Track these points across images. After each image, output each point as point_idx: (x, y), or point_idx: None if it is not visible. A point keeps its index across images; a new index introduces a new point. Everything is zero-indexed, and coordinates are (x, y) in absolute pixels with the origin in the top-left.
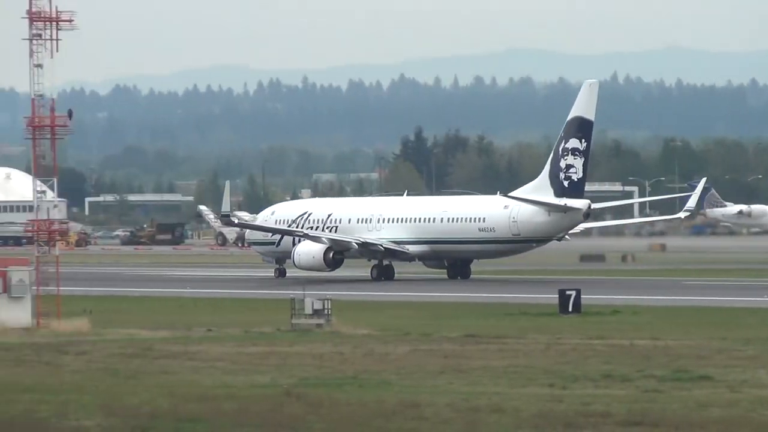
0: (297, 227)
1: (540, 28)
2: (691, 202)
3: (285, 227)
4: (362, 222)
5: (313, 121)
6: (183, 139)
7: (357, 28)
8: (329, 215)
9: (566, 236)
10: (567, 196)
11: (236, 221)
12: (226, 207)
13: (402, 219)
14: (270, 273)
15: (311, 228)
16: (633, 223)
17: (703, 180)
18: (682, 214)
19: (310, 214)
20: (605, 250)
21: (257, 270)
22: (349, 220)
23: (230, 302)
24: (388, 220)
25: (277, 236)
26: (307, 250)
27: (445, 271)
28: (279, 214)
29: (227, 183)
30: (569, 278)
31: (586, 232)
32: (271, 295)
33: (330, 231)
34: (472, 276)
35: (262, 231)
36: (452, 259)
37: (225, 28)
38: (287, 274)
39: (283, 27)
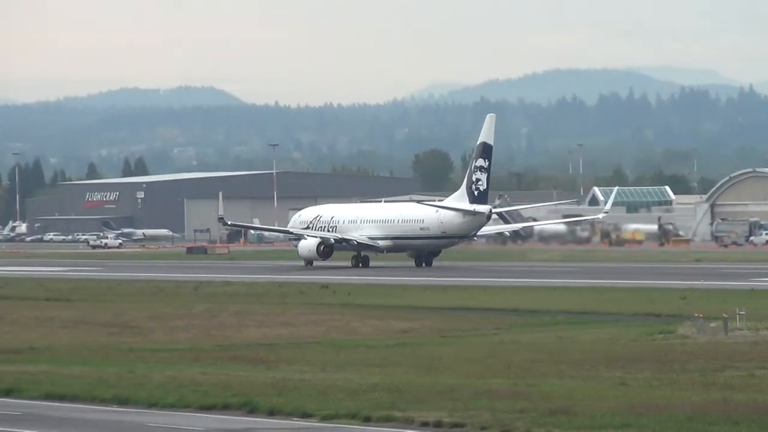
0: (312, 228)
1: None
2: (608, 206)
3: (303, 228)
4: (352, 223)
5: None
6: None
7: None
8: (332, 217)
9: (507, 233)
10: (476, 203)
11: (229, 223)
12: (221, 212)
13: (376, 220)
14: None
15: (321, 228)
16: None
17: (616, 188)
18: (600, 215)
19: (320, 217)
20: None
21: None
22: (344, 221)
23: None
24: (368, 221)
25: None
26: (306, 245)
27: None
28: (303, 217)
29: (220, 193)
30: None
31: None
32: None
33: (332, 230)
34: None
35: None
36: (407, 251)
37: None
38: (314, 264)
39: None
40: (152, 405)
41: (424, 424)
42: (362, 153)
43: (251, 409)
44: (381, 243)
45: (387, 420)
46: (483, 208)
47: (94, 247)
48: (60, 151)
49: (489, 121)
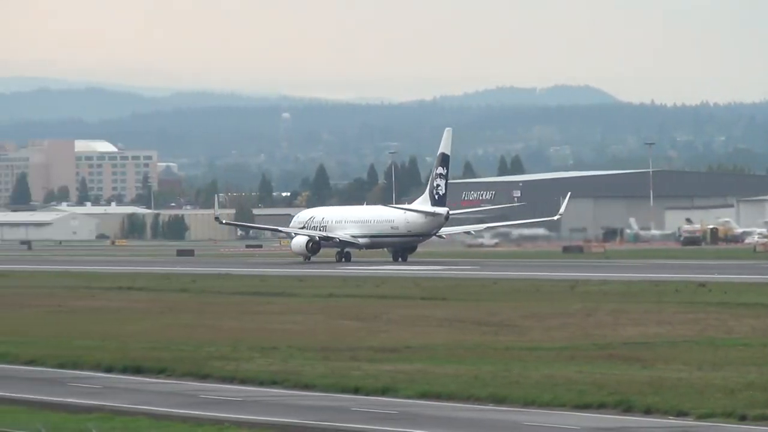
0: (307, 227)
1: None
2: (562, 208)
3: (299, 228)
4: (338, 223)
5: None
6: None
7: None
8: (323, 218)
9: (471, 232)
10: (437, 206)
11: (224, 221)
12: (216, 212)
13: (356, 221)
14: None
15: (314, 228)
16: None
17: (569, 194)
18: (556, 217)
19: (314, 218)
20: None
21: None
22: (332, 222)
23: None
24: (351, 221)
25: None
26: (297, 242)
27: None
28: (300, 218)
29: (216, 195)
30: None
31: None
32: None
33: (322, 230)
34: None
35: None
36: (383, 247)
37: None
38: (311, 259)
39: None
40: (528, 404)
41: None
42: (738, 152)
43: (627, 408)
44: (361, 241)
45: (763, 419)
46: (441, 210)
47: (470, 245)
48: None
49: (446, 135)
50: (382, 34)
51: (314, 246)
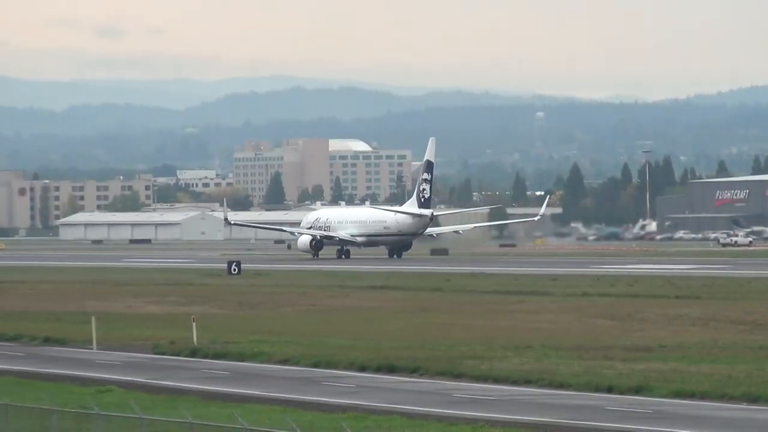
0: (314, 227)
1: None
2: (543, 209)
3: (307, 228)
4: (339, 223)
5: None
6: None
7: None
8: (327, 218)
9: (460, 231)
10: (422, 208)
11: (232, 222)
12: (225, 215)
13: (355, 221)
14: None
15: (320, 228)
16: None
17: (549, 196)
18: (536, 218)
19: (319, 219)
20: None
21: None
22: (335, 222)
23: None
24: (350, 221)
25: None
26: (303, 240)
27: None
28: (308, 218)
29: (224, 199)
30: None
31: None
32: None
33: (327, 229)
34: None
35: (251, 227)
36: (378, 245)
37: None
38: (319, 256)
39: None
40: None
41: None
42: None
43: None
44: (359, 239)
45: None
46: (426, 212)
47: (724, 245)
48: (690, 149)
49: (431, 144)
50: (637, 34)
51: (317, 244)
